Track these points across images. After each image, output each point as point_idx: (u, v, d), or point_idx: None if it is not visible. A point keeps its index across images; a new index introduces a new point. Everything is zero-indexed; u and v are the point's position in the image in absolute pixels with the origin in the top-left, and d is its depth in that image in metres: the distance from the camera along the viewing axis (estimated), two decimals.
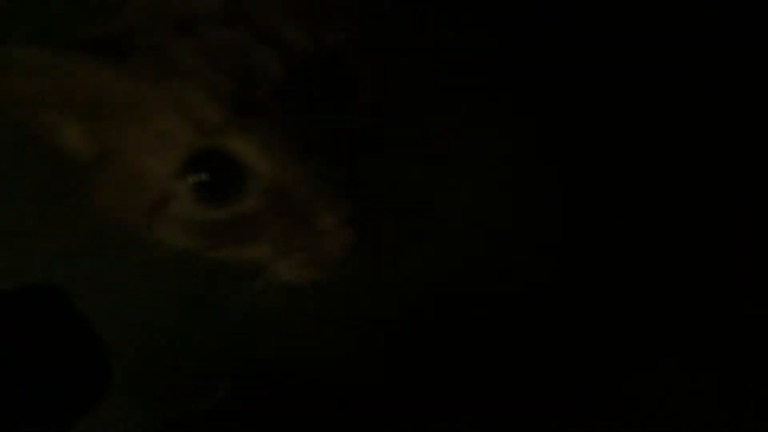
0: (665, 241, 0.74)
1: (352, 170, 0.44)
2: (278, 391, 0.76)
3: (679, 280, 0.74)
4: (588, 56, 0.73)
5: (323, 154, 0.44)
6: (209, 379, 0.78)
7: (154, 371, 0.74)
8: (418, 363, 0.75)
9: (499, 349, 0.73)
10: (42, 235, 0.85)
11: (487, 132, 0.71)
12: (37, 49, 0.43)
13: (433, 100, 0.51)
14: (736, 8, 0.75)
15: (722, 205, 0.74)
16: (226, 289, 0.65)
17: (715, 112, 0.75)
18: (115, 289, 0.75)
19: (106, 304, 0.66)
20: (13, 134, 0.85)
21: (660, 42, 0.75)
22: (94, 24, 0.49)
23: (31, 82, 0.45)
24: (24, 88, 0.45)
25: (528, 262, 0.75)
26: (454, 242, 0.68)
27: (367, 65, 0.46)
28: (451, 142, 0.54)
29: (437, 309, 0.73)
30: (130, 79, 0.44)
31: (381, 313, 0.69)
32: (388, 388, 0.73)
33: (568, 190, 0.77)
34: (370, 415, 0.72)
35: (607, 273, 0.74)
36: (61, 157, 0.84)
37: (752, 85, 0.76)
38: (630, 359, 0.74)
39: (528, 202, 0.77)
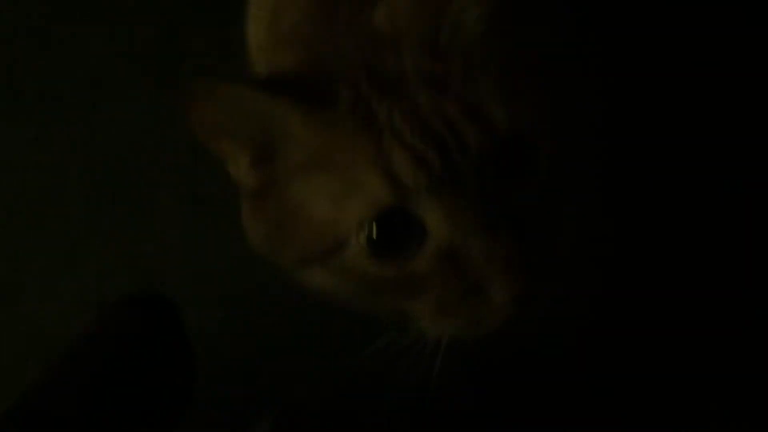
0: None
1: (527, 243, 0.45)
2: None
3: None
4: None
5: (505, 227, 0.45)
6: (254, 412, 0.78)
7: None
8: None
9: None
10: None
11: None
12: (241, 87, 0.44)
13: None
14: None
15: None
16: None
17: None
18: None
19: None
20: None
21: None
22: None
23: (224, 113, 0.45)
24: (216, 116, 0.46)
25: None
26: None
27: (548, 143, 0.47)
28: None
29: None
30: (326, 128, 0.45)
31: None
32: None
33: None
34: None
35: None
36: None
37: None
38: None
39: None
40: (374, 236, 0.45)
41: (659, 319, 0.82)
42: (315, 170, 0.46)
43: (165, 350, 0.61)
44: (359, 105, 0.45)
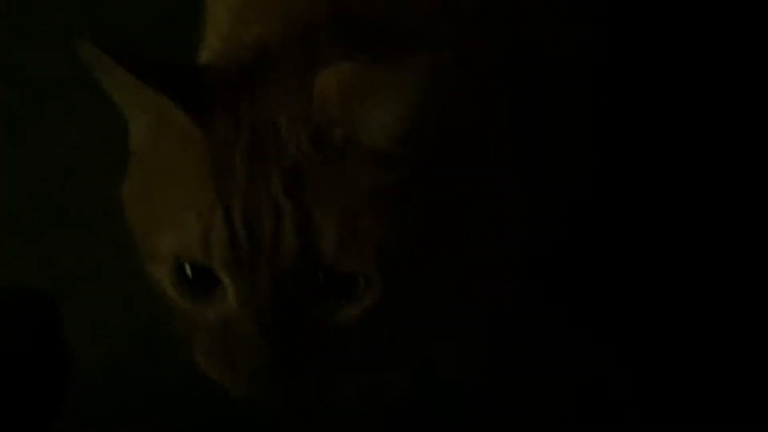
0: None
1: (295, 362, 0.46)
2: None
3: None
4: None
5: (280, 337, 0.45)
6: None
7: None
8: None
9: None
10: None
11: None
12: (133, 76, 0.45)
13: None
14: None
15: None
16: None
17: None
18: None
19: None
20: None
21: None
22: None
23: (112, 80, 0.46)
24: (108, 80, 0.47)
25: None
26: None
27: (373, 293, 0.46)
28: None
29: None
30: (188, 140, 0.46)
31: None
32: None
33: None
34: None
35: None
36: None
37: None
38: None
39: None
40: (187, 273, 0.47)
41: None
42: (171, 171, 0.47)
43: (33, 343, 0.60)
44: (220, 140, 0.45)
